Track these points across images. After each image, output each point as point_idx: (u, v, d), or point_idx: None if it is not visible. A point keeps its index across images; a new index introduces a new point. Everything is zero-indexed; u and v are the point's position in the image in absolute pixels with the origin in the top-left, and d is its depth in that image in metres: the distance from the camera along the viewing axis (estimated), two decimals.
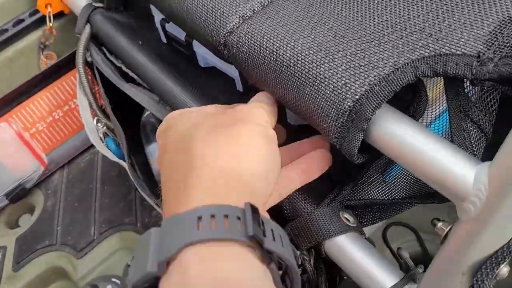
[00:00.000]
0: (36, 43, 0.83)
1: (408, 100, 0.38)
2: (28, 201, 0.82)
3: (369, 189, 0.41)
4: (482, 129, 0.34)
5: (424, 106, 0.37)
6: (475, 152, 0.33)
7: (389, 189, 0.41)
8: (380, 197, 0.41)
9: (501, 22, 0.30)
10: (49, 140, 0.84)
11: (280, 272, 0.29)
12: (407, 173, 0.41)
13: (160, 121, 0.39)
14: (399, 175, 0.41)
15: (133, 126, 0.70)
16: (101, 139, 0.63)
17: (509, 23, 0.30)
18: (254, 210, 0.28)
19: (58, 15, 0.81)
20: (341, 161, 0.39)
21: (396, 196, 0.40)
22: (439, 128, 0.41)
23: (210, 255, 0.26)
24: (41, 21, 0.81)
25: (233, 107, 0.37)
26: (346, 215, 0.40)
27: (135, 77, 0.63)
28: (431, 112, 0.39)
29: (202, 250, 0.26)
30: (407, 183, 0.41)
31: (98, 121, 0.64)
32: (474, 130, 0.34)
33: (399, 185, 0.41)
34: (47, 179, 0.83)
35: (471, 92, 0.34)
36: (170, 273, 0.25)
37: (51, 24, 0.78)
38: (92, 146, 0.79)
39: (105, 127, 0.64)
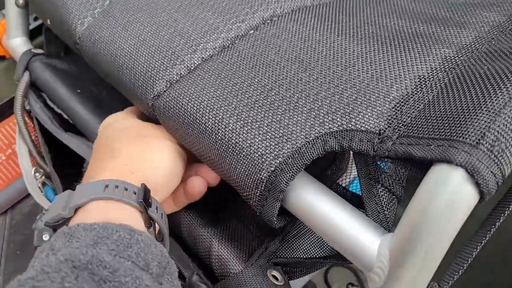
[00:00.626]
0: None
1: (331, 159, 0.40)
2: None
3: (295, 244, 0.43)
4: (393, 192, 0.36)
5: (343, 169, 0.39)
6: (386, 216, 0.35)
7: (313, 246, 0.42)
8: (305, 254, 0.42)
9: (400, 99, 0.33)
10: None
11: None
12: None
13: None
14: None
15: (73, 174, 0.69)
16: (40, 188, 0.62)
17: (407, 100, 0.32)
18: (147, 190, 0.37)
19: (0, 58, 0.80)
20: None
21: (320, 253, 0.42)
22: (357, 190, 0.43)
23: (108, 206, 0.35)
24: None
25: (156, 125, 0.45)
26: (274, 273, 0.41)
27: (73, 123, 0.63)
28: (349, 174, 0.41)
29: (103, 203, 0.35)
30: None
31: (36, 170, 0.63)
32: (386, 195, 0.36)
33: (322, 243, 0.42)
34: None
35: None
36: (76, 215, 0.34)
37: None
38: None
39: (43, 177, 0.63)
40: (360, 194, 0.36)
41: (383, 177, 0.35)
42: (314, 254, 0.43)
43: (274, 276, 0.41)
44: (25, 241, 0.77)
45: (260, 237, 0.45)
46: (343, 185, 0.41)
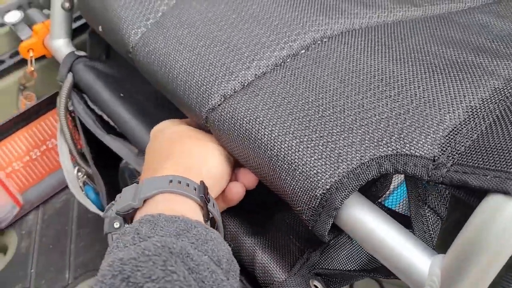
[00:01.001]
0: (16, 84, 0.84)
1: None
2: (1, 241, 0.82)
3: (335, 255, 0.45)
4: (438, 213, 0.38)
5: (387, 187, 0.41)
6: (432, 235, 0.37)
7: (352, 257, 0.44)
8: (344, 266, 0.44)
9: (454, 128, 0.35)
10: (25, 180, 0.84)
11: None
12: None
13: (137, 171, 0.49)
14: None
15: (114, 174, 0.72)
16: (81, 188, 0.64)
17: (460, 129, 0.34)
18: (205, 187, 0.40)
19: (40, 57, 0.83)
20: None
21: (358, 265, 0.44)
22: (396, 200, 0.45)
23: (173, 199, 0.38)
24: (22, 62, 0.83)
25: (207, 133, 0.48)
26: (316, 283, 0.43)
27: (116, 126, 0.65)
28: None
29: (168, 196, 0.38)
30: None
31: (78, 170, 0.65)
32: (431, 216, 0.38)
33: (360, 255, 0.44)
34: (22, 220, 0.83)
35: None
36: (145, 206, 0.38)
37: (32, 68, 0.79)
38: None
39: (85, 176, 0.65)
40: (401, 212, 0.38)
41: (430, 198, 0.37)
42: (353, 265, 0.45)
43: (315, 286, 0.43)
44: (57, 236, 0.80)
45: (300, 247, 0.47)
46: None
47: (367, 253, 0.45)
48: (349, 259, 0.45)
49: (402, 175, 0.45)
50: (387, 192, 0.49)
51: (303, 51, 0.47)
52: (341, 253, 0.45)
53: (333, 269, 0.44)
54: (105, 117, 0.68)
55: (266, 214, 0.50)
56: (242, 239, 0.47)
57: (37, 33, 0.78)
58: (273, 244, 0.47)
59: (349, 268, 0.45)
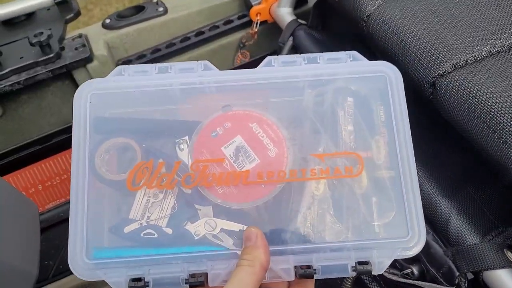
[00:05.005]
0: (237, 41, 0.97)
1: None
2: None
3: None
4: None
5: None
6: None
7: None
8: None
9: None
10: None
11: None
12: None
13: None
14: None
15: None
16: None
17: None
18: None
19: (262, 21, 0.95)
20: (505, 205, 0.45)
21: None
22: None
23: None
24: (246, 24, 0.96)
25: None
26: (509, 254, 0.45)
27: None
28: None
29: None
30: None
31: None
32: None
33: None
34: None
35: None
36: None
37: (256, 29, 0.92)
38: None
39: None
40: None
41: None
42: None
43: (510, 256, 0.45)
44: None
45: (493, 221, 0.49)
46: None
47: None
48: None
49: None
50: None
51: None
52: None
53: None
54: None
55: (459, 185, 0.53)
56: (437, 200, 0.51)
57: (267, 1, 0.90)
58: (468, 211, 0.50)
59: None
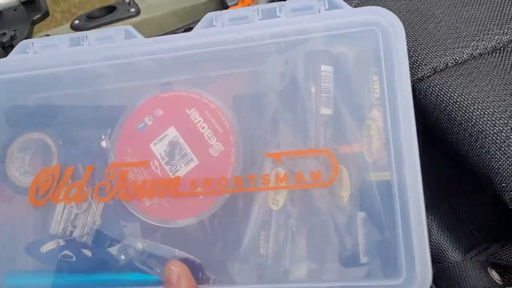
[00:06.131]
0: None
1: None
2: None
3: None
4: None
5: None
6: None
7: None
8: None
9: None
10: None
11: None
12: None
13: None
14: None
15: None
16: None
17: None
18: None
19: None
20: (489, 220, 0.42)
21: None
22: None
23: None
24: None
25: None
26: (493, 272, 0.42)
27: None
28: None
29: None
30: None
31: None
32: None
33: None
34: None
35: None
36: None
37: None
38: None
39: None
40: None
41: None
42: None
43: (493, 275, 0.42)
44: None
45: (477, 237, 0.46)
46: None
47: None
48: None
49: None
50: None
51: None
52: None
53: None
54: None
55: (442, 197, 0.50)
56: None
57: (243, 1, 0.86)
58: (450, 226, 0.47)
59: None
